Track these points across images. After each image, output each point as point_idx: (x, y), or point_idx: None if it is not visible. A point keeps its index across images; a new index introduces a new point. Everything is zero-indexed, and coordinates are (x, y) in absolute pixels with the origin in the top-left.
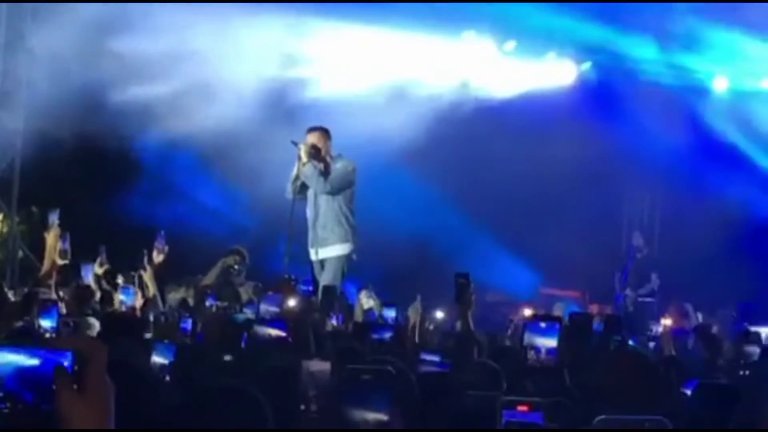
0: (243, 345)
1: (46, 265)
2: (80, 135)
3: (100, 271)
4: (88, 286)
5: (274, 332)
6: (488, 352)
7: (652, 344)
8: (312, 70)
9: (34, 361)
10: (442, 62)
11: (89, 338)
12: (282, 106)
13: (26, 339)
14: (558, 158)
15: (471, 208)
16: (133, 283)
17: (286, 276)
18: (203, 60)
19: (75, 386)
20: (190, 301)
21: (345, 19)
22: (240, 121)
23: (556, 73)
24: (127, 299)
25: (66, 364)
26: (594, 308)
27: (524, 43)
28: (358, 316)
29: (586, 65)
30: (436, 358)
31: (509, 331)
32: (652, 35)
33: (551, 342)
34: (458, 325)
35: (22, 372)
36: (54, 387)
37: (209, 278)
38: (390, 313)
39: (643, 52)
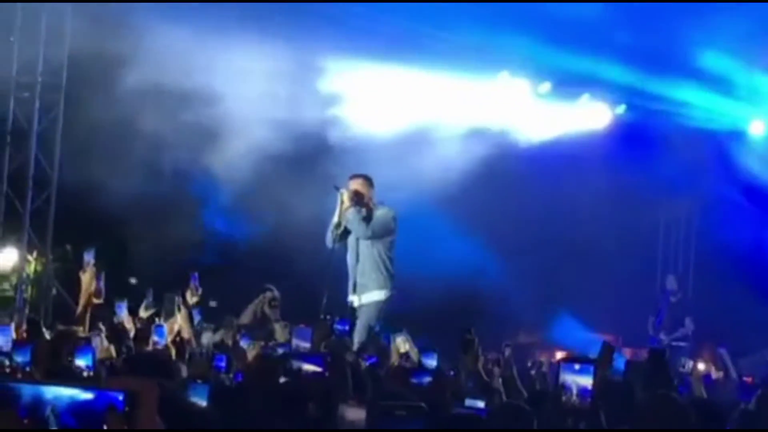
0: (281, 380)
1: (82, 304)
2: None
3: (145, 314)
4: (123, 325)
5: (311, 367)
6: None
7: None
8: (345, 110)
9: (88, 398)
10: (475, 103)
11: (142, 379)
12: (319, 147)
13: (68, 378)
14: (592, 201)
15: (503, 250)
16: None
17: (322, 316)
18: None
19: (125, 426)
20: (229, 342)
21: (378, 59)
22: (272, 159)
23: (590, 115)
24: (160, 339)
25: (118, 402)
26: (628, 352)
27: (559, 85)
28: (394, 360)
29: (621, 108)
30: (479, 404)
31: (533, 371)
32: (687, 78)
33: (586, 383)
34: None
35: (75, 408)
36: (105, 426)
37: (246, 317)
38: (430, 360)
39: (678, 94)
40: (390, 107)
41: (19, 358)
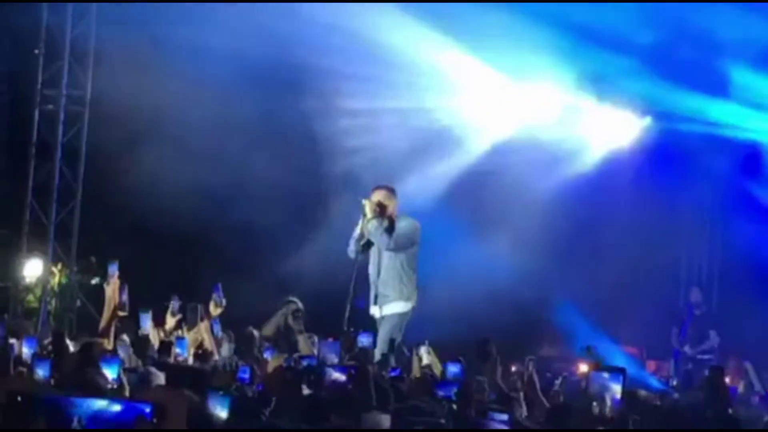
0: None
1: (106, 316)
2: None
3: (172, 321)
4: (147, 337)
5: (336, 377)
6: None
7: None
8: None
9: (116, 410)
10: (505, 110)
11: (171, 391)
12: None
13: (93, 389)
14: (616, 213)
15: (526, 261)
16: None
17: (345, 328)
18: None
19: None
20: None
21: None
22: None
23: (616, 127)
24: (182, 351)
25: (146, 413)
26: (652, 365)
27: (587, 95)
28: (416, 371)
29: (647, 119)
30: (503, 417)
31: (557, 385)
32: (713, 90)
33: (615, 392)
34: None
35: (103, 419)
36: None
37: (269, 329)
38: (455, 369)
39: (704, 106)
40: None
41: (40, 372)
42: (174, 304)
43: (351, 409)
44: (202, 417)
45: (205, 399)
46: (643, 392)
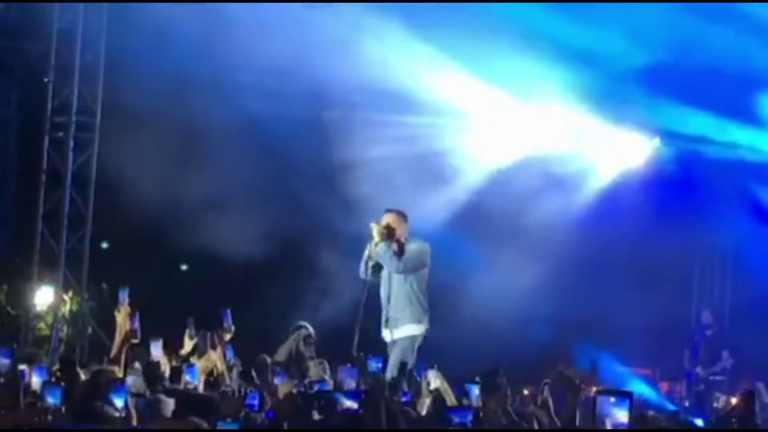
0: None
1: (117, 343)
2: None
3: (190, 345)
4: (158, 364)
5: (347, 403)
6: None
7: None
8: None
9: None
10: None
11: (178, 420)
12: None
13: (100, 419)
14: (627, 235)
15: (537, 283)
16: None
17: (355, 353)
18: None
19: None
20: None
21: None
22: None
23: (628, 147)
24: (192, 379)
25: None
26: (664, 386)
27: (598, 115)
28: (425, 396)
29: (657, 140)
30: None
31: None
32: (725, 110)
33: (622, 416)
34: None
35: None
36: None
37: (281, 355)
38: (473, 390)
39: (716, 127)
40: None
41: (50, 399)
42: (190, 327)
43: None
44: None
45: (214, 427)
46: (651, 413)
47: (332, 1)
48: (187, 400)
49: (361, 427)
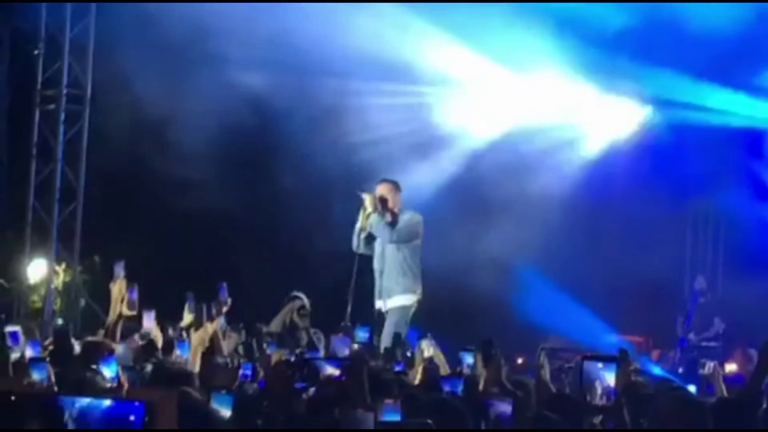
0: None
1: (111, 316)
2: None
3: (189, 317)
4: (151, 338)
5: (329, 370)
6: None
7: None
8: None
9: (108, 408)
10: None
11: (161, 390)
12: None
13: (91, 388)
14: (619, 202)
15: (528, 252)
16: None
17: (343, 324)
18: None
19: None
20: (240, 348)
21: None
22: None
23: (618, 114)
24: (183, 353)
25: (137, 414)
26: (656, 354)
27: (589, 84)
28: (418, 365)
29: (649, 108)
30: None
31: (564, 377)
32: (716, 77)
33: (609, 381)
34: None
35: (94, 417)
36: None
37: (275, 325)
38: (467, 359)
39: (707, 94)
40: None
41: (35, 375)
42: (190, 300)
43: (344, 403)
44: (204, 415)
45: (204, 397)
46: (639, 379)
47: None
48: (165, 375)
49: (344, 393)
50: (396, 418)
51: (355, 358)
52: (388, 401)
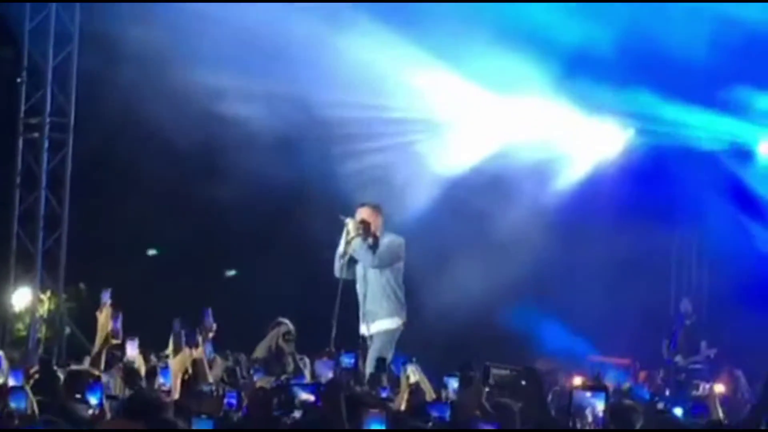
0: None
1: (98, 345)
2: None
3: (173, 345)
4: (133, 367)
5: (303, 396)
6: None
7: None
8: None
9: None
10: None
11: (132, 422)
12: None
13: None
14: (603, 225)
15: (521, 275)
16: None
17: (328, 349)
18: None
19: None
20: (225, 375)
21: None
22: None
23: (603, 138)
24: (165, 381)
25: None
26: (643, 375)
27: (573, 107)
28: (404, 390)
29: (632, 131)
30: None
31: (549, 398)
32: (697, 100)
33: (599, 409)
34: None
35: None
36: None
37: (260, 351)
38: (452, 383)
39: (688, 117)
40: None
41: (13, 404)
42: (176, 327)
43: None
44: None
45: (189, 425)
46: (628, 402)
47: (313, 1)
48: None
49: (321, 421)
50: (381, 426)
51: (332, 384)
52: (373, 411)
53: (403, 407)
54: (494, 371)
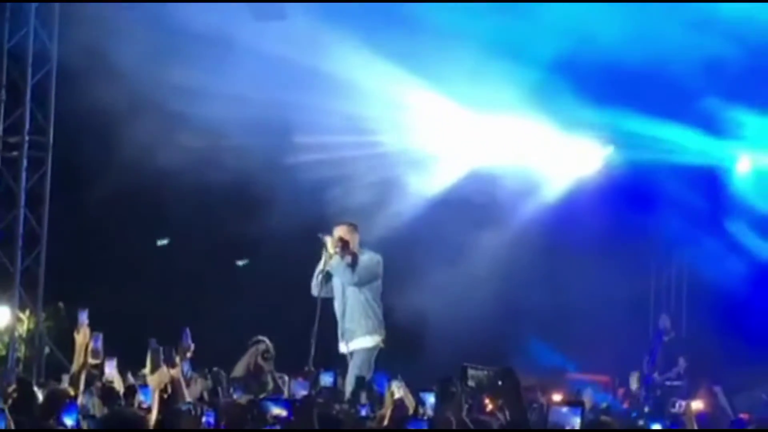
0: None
1: (76, 365)
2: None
3: (150, 365)
4: (111, 386)
5: (276, 411)
6: None
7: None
8: None
9: None
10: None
11: None
12: None
13: None
14: (582, 242)
15: (499, 292)
16: None
17: (306, 368)
18: None
19: None
20: (205, 394)
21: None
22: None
23: (581, 156)
24: (145, 398)
25: None
26: (621, 391)
27: (550, 126)
28: (388, 406)
29: (610, 149)
30: None
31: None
32: (674, 117)
33: (574, 425)
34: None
35: None
36: None
37: (239, 370)
38: (429, 399)
39: (665, 134)
40: None
41: None
42: (153, 344)
43: None
44: None
45: None
46: (606, 418)
47: (297, 1)
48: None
49: None
50: None
51: (305, 400)
52: None
53: (386, 423)
54: (471, 372)
